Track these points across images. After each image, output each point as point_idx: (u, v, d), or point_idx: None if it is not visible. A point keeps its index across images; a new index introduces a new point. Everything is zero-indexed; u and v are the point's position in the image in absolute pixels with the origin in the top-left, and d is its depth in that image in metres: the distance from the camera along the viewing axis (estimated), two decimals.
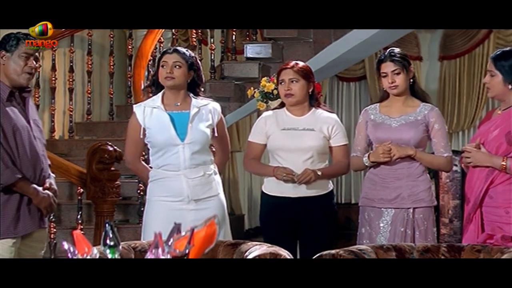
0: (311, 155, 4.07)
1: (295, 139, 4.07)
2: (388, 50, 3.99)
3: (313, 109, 4.17)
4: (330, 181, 4.18)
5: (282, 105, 4.25)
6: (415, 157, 3.91)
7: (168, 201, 3.84)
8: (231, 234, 3.98)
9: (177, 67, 3.86)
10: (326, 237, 4.07)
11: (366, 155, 3.98)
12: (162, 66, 3.89)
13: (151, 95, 4.00)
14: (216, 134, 3.96)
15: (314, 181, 4.02)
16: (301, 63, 4.20)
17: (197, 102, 3.92)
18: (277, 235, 4.02)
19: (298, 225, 4.09)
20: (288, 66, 4.15)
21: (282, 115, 4.17)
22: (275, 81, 5.47)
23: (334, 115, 4.23)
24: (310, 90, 4.15)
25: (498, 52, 3.70)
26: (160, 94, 3.93)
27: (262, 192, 4.19)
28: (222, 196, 3.97)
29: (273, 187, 4.12)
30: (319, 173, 4.04)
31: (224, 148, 4.12)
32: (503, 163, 3.56)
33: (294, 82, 4.10)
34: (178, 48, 3.97)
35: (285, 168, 4.02)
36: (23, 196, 3.58)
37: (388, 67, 3.93)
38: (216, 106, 3.98)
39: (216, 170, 3.99)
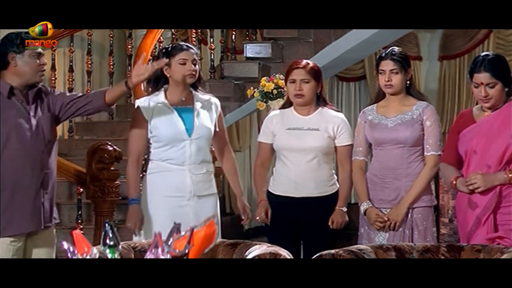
0: (315, 156, 4.03)
1: (299, 139, 4.04)
2: (390, 49, 3.97)
3: (320, 108, 4.13)
4: (336, 183, 4.12)
5: (290, 104, 4.18)
6: (410, 204, 3.87)
7: (169, 196, 3.83)
8: (220, 235, 3.95)
9: (194, 64, 3.88)
10: (329, 237, 4.04)
11: (363, 209, 3.95)
12: (183, 64, 3.85)
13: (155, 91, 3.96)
14: (217, 129, 3.97)
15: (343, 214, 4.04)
16: (311, 63, 4.13)
17: (199, 97, 3.93)
18: (280, 234, 4.01)
19: (301, 225, 4.07)
20: (300, 66, 4.06)
21: (288, 115, 4.14)
22: (275, 80, 5.49)
23: (340, 114, 4.19)
24: (318, 90, 4.11)
25: (489, 62, 3.56)
26: (162, 90, 3.91)
27: (268, 191, 4.17)
28: (217, 195, 4.03)
29: (277, 187, 4.12)
30: (344, 209, 4.05)
31: (227, 144, 4.12)
32: (511, 175, 3.51)
33: (305, 82, 4.04)
34: (189, 44, 3.99)
35: (264, 213, 4.06)
36: (22, 194, 3.57)
37: (387, 65, 3.92)
38: (216, 101, 4.01)
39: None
